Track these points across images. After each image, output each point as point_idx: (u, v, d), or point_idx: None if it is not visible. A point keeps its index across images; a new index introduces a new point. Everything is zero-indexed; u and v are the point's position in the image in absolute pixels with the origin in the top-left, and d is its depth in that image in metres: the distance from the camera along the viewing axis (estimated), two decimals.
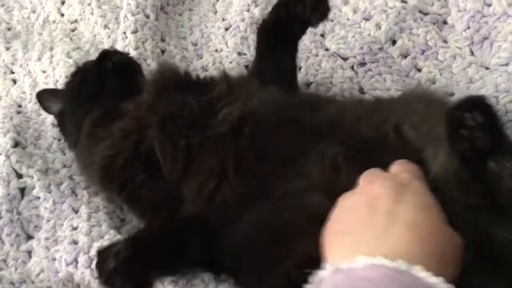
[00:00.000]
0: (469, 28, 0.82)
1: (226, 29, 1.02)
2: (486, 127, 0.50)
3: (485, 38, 0.80)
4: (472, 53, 0.82)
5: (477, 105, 0.51)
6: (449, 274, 0.43)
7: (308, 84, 0.90)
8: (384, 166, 0.54)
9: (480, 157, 0.50)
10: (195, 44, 1.05)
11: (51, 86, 1.00)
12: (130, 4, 1.05)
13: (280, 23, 0.77)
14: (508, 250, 0.50)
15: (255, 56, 0.84)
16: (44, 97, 0.87)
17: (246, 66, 0.95)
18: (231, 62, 0.97)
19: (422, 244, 0.44)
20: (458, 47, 0.84)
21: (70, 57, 1.04)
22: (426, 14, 0.90)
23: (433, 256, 0.43)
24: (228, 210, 0.62)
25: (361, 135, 0.61)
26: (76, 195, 0.80)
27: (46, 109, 0.88)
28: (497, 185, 0.50)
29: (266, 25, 0.79)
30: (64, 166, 0.86)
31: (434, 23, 0.89)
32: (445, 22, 0.89)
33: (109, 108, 0.75)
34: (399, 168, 0.54)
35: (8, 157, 0.84)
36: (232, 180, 0.63)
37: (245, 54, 0.97)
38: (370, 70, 0.87)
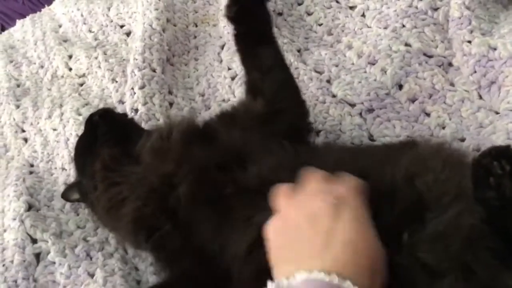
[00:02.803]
0: (475, 72, 0.81)
1: (232, 79, 1.02)
2: None
3: (493, 83, 0.79)
4: (480, 97, 0.81)
5: (504, 154, 0.51)
6: (377, 285, 0.49)
7: (317, 132, 0.89)
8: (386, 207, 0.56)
9: (507, 206, 0.50)
10: (202, 95, 1.05)
11: (62, 144, 1.01)
12: (136, 59, 1.06)
13: (243, 23, 0.77)
14: None
15: (244, 72, 0.82)
16: (66, 194, 0.87)
17: None
18: None
19: (357, 260, 0.48)
20: (465, 90, 0.83)
21: (79, 114, 1.05)
22: (430, 56, 0.90)
23: (365, 271, 0.48)
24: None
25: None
26: (91, 258, 0.81)
27: (72, 201, 0.89)
28: None
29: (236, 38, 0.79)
30: (78, 227, 0.86)
31: (439, 66, 0.88)
32: (450, 64, 0.88)
33: (118, 150, 0.76)
34: (339, 181, 0.56)
35: (22, 221, 0.84)
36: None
37: None
38: (378, 116, 0.86)
